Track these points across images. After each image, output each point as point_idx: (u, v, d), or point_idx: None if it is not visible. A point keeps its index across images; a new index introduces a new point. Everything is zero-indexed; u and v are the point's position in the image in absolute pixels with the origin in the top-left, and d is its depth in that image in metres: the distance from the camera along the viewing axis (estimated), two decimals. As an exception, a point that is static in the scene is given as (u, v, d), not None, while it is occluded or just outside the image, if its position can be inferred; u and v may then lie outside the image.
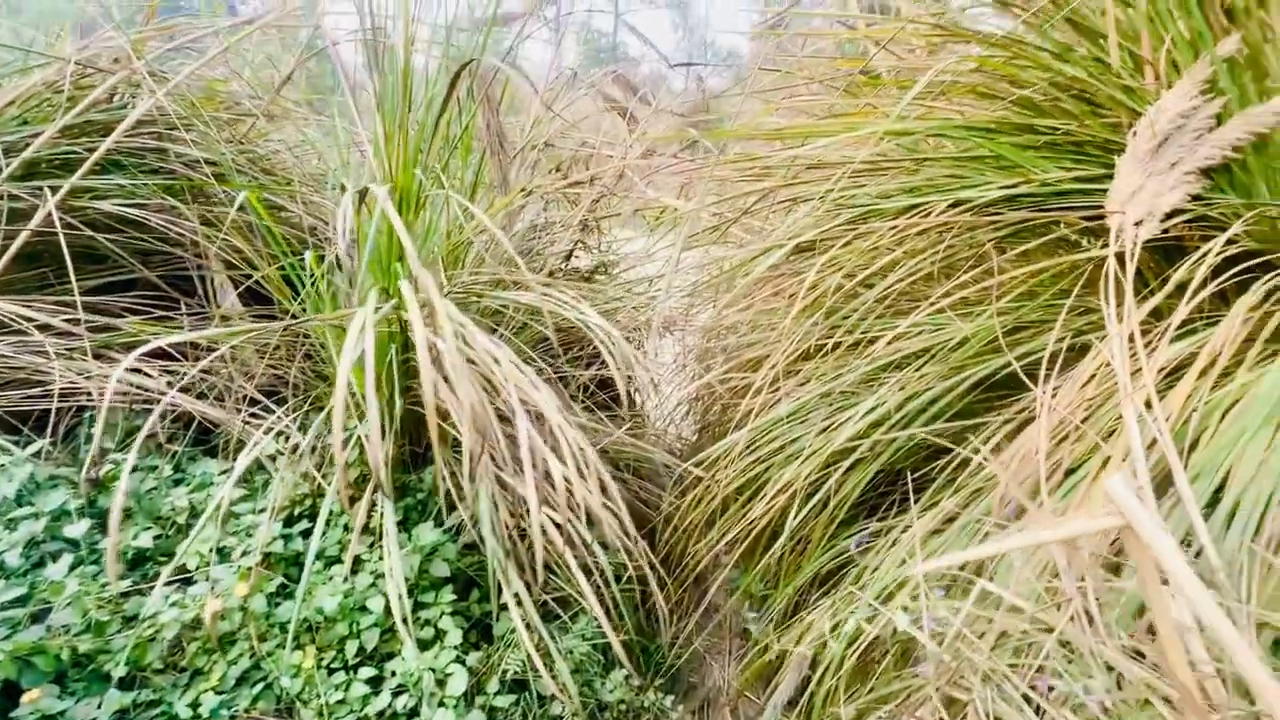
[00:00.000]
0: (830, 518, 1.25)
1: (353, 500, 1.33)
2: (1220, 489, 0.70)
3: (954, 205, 1.12)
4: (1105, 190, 1.15)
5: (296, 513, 1.32)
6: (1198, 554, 0.64)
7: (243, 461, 1.15)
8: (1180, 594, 0.34)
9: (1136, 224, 1.09)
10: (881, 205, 1.10)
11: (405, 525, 1.40)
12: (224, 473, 1.39)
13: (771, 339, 1.26)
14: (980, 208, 1.10)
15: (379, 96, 1.39)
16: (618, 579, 1.38)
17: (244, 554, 1.18)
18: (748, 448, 1.24)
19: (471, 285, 1.35)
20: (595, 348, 1.86)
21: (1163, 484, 0.77)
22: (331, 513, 1.40)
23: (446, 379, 1.03)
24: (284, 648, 1.04)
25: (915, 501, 1.11)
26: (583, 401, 1.80)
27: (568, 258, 2.25)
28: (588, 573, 1.27)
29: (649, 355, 2.09)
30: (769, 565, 1.28)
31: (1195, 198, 1.13)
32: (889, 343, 1.05)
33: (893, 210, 1.11)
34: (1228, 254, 1.03)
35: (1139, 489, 0.73)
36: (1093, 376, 0.92)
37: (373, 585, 1.13)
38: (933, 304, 1.04)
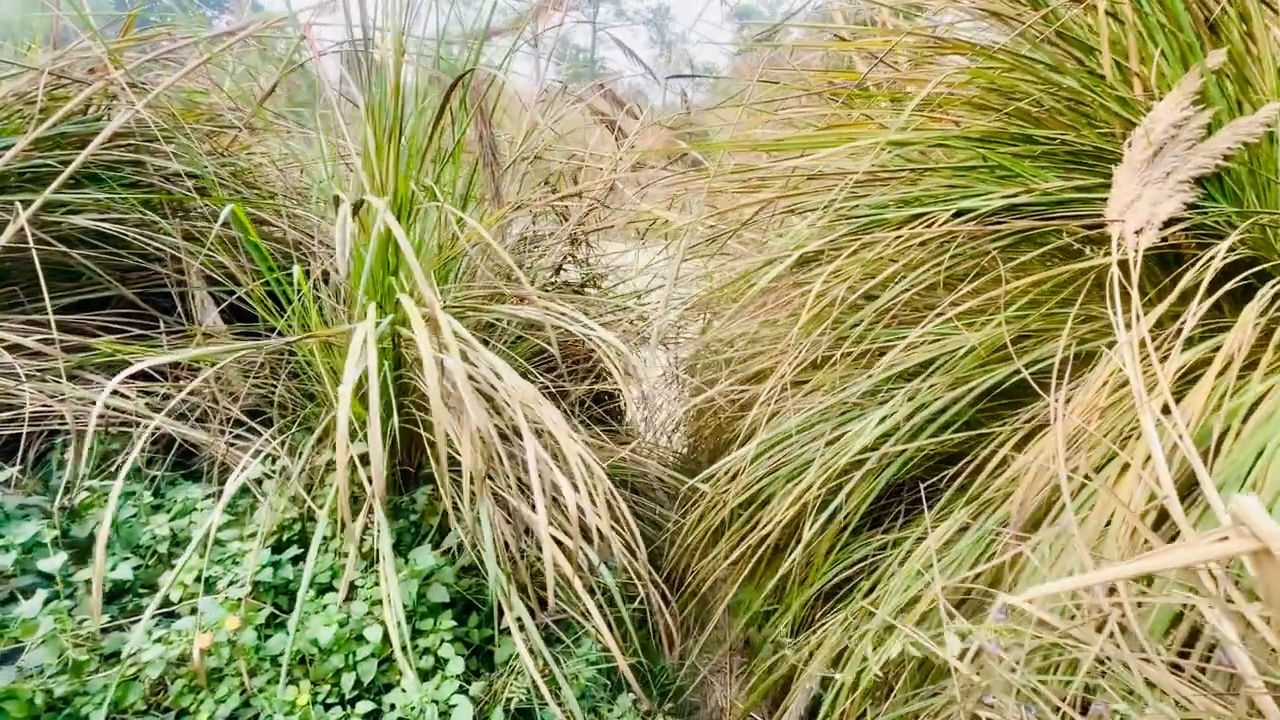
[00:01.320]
0: (838, 530, 1.23)
1: (342, 525, 1.28)
2: (1248, 497, 0.69)
3: (956, 215, 1.12)
4: (1103, 199, 1.16)
5: (285, 539, 1.27)
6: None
7: (231, 485, 1.10)
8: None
9: (1137, 232, 1.10)
10: (885, 215, 1.10)
11: (399, 548, 1.35)
12: (208, 497, 1.33)
13: (776, 351, 1.25)
14: (983, 217, 1.10)
15: (369, 108, 1.36)
16: (623, 599, 1.35)
17: (231, 584, 1.13)
18: (753, 461, 1.22)
19: (465, 299, 1.31)
20: (590, 361, 1.83)
21: (1183, 492, 0.76)
22: (324, 538, 1.35)
23: (451, 397, 1.00)
24: (276, 683, 0.98)
25: (928, 510, 1.09)
26: (579, 416, 1.76)
27: (557, 271, 2.23)
28: (591, 594, 1.24)
29: (643, 369, 2.07)
30: (776, 582, 1.26)
31: (1190, 206, 1.15)
32: (901, 352, 1.04)
33: (896, 220, 1.10)
34: (1226, 261, 1.05)
35: (1165, 497, 0.73)
36: (1105, 383, 0.92)
37: (369, 613, 1.08)
38: (939, 314, 1.03)
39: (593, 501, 1.00)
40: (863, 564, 1.22)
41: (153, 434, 1.40)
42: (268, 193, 1.76)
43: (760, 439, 1.15)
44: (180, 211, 1.62)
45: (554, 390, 1.80)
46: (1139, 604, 0.68)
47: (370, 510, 1.26)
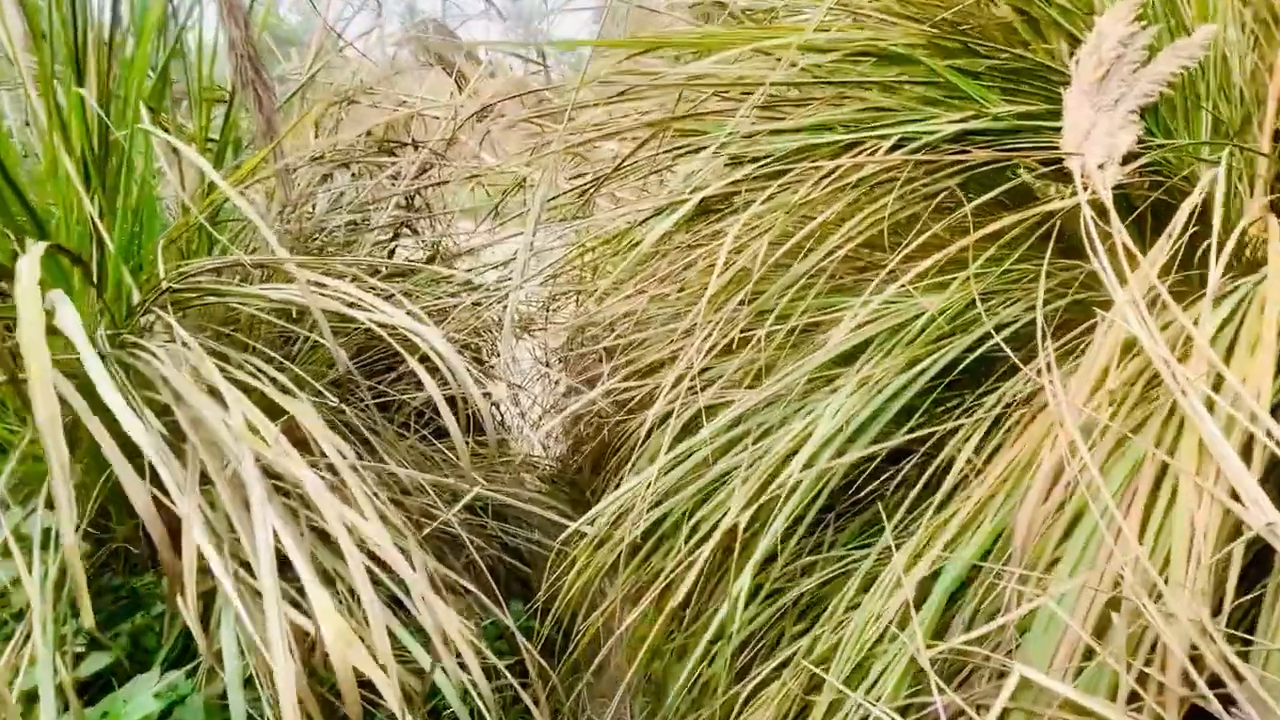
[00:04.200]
0: (760, 564, 0.95)
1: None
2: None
3: (897, 146, 0.86)
4: (1049, 128, 0.96)
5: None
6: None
7: None
8: None
9: (1100, 167, 0.90)
10: (812, 141, 0.81)
11: (136, 661, 0.88)
12: None
13: (677, 333, 0.93)
14: (930, 147, 0.84)
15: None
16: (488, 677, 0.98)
17: None
18: (654, 484, 0.90)
19: (196, 278, 0.84)
20: (430, 362, 1.41)
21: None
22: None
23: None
24: None
25: (890, 527, 0.83)
26: (418, 431, 1.34)
27: (395, 236, 1.77)
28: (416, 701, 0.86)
29: (505, 362, 1.68)
30: (684, 642, 0.95)
31: (1139, 140, 0.98)
32: (855, 328, 0.76)
33: (827, 151, 0.82)
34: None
35: (1267, 525, 0.49)
36: (1114, 355, 0.69)
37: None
38: (890, 273, 0.77)
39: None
40: (798, 604, 0.95)
41: None
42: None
43: (661, 460, 0.82)
44: None
45: (388, 400, 1.37)
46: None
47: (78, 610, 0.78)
